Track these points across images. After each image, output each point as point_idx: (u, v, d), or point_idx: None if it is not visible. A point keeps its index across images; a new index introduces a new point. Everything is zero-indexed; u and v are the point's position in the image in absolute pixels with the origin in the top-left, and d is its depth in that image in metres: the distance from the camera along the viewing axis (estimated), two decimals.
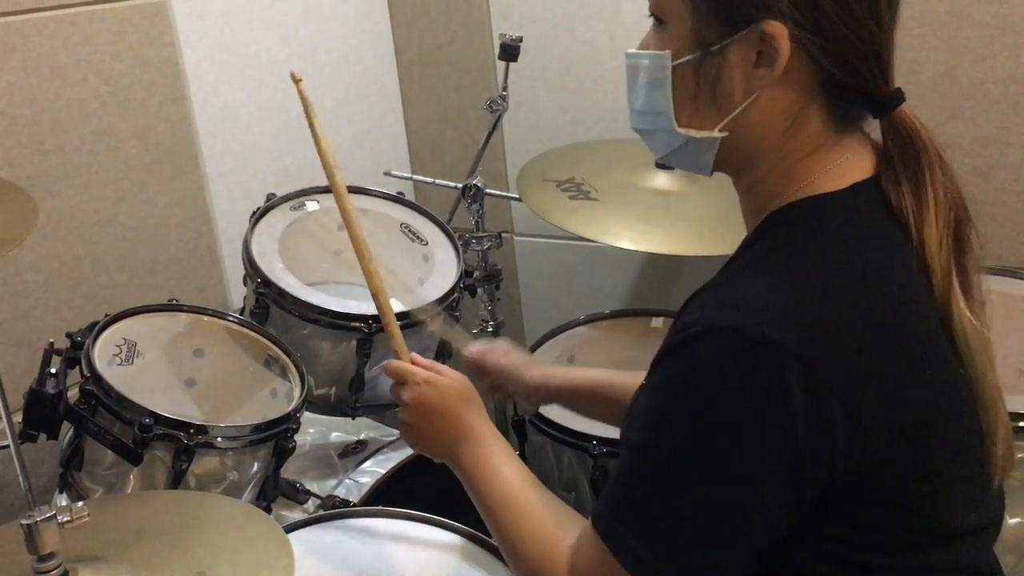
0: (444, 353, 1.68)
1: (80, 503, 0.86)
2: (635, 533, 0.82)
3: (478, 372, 1.29)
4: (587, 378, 1.29)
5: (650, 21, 0.91)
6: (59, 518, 0.84)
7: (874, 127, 0.91)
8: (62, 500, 1.35)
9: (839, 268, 0.83)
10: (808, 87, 0.85)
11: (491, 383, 1.30)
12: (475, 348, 1.30)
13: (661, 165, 1.77)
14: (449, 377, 1.05)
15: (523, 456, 1.74)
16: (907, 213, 0.86)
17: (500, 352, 1.30)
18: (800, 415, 0.76)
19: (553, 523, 0.94)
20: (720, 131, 0.87)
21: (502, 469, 0.99)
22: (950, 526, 0.87)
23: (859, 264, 0.83)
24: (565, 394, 1.32)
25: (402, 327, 1.52)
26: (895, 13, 0.85)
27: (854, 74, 0.84)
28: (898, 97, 0.86)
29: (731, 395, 0.78)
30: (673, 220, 1.68)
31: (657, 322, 1.85)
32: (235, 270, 1.78)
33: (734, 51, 0.84)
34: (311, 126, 1.16)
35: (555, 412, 1.62)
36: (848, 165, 0.88)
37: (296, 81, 1.18)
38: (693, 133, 0.88)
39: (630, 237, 1.64)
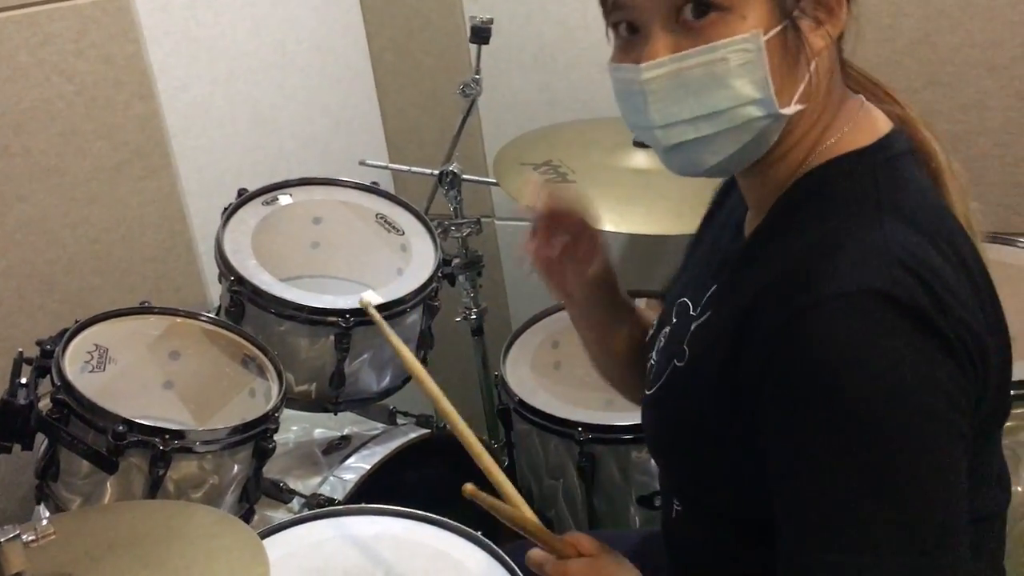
0: (426, 343, 1.66)
1: (45, 520, 0.84)
2: (896, 547, 0.73)
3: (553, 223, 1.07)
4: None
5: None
6: (24, 537, 0.82)
7: None
8: (42, 511, 1.34)
9: (921, 215, 0.81)
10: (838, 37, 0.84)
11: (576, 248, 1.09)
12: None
13: (639, 144, 1.75)
14: (588, 549, 0.95)
15: (509, 444, 1.73)
16: (933, 148, 0.87)
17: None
18: (955, 353, 0.75)
19: None
20: (797, 103, 0.82)
21: None
22: (994, 471, 0.88)
23: (931, 211, 0.82)
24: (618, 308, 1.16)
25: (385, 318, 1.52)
26: None
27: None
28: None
29: (897, 356, 0.73)
30: (653, 199, 1.65)
31: (640, 303, 1.82)
32: (213, 268, 1.75)
33: (806, 14, 0.81)
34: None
35: (540, 400, 1.61)
36: (865, 118, 0.87)
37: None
38: (788, 111, 0.81)
39: (609, 218, 1.61)
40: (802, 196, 0.86)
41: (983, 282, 0.83)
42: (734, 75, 0.80)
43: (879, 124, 0.87)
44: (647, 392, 0.99)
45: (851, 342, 0.74)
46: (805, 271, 0.79)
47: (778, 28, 0.80)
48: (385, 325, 1.21)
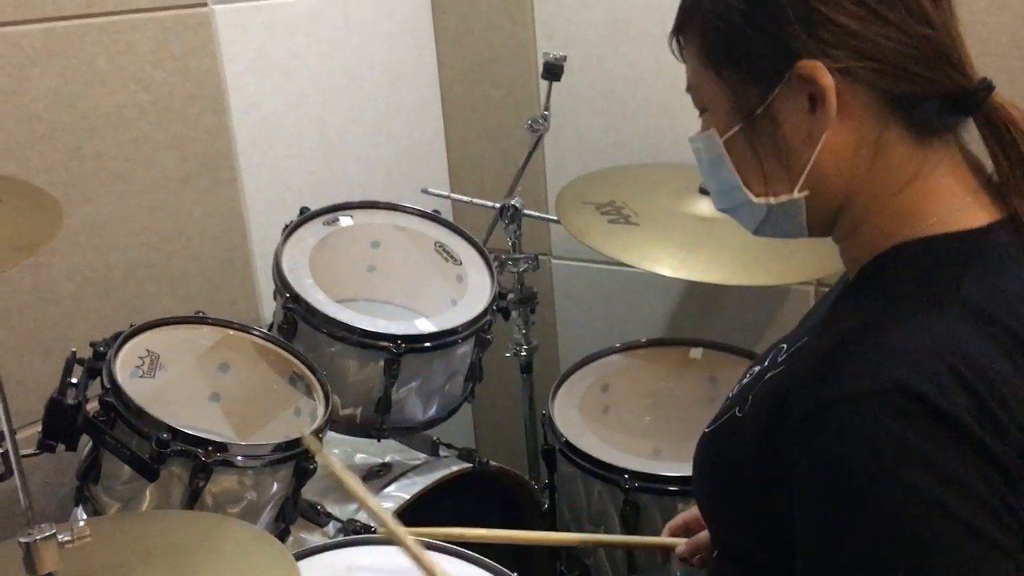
0: (475, 376, 1.64)
1: (82, 522, 0.83)
2: None
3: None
4: None
5: None
6: (59, 537, 0.81)
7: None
8: (80, 513, 1.34)
9: (1009, 316, 0.75)
10: (877, 113, 0.80)
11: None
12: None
13: (705, 191, 1.72)
14: None
15: (551, 486, 1.69)
16: None
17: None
18: (1005, 469, 0.70)
19: None
20: (800, 191, 0.83)
21: None
22: None
23: (1007, 305, 0.76)
24: None
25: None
26: (946, 5, 0.80)
27: (923, 83, 0.79)
28: (985, 87, 0.79)
29: (928, 463, 0.68)
30: (715, 247, 1.62)
31: (696, 352, 1.79)
32: (268, 284, 1.75)
33: (781, 106, 0.81)
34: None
35: (587, 443, 1.57)
36: (975, 203, 0.81)
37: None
38: (772, 200, 0.85)
39: (670, 263, 1.59)
40: (876, 271, 0.83)
41: None
42: (714, 164, 0.87)
43: (983, 211, 0.81)
44: (705, 429, 0.96)
45: (879, 444, 0.69)
46: (845, 355, 0.75)
47: (737, 127, 0.84)
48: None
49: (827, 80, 0.77)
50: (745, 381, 0.97)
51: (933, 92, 0.79)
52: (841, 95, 0.78)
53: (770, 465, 0.79)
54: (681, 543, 1.20)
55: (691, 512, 1.23)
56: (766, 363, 0.94)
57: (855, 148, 0.81)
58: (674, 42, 0.89)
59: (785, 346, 0.93)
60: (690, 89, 0.89)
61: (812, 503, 0.74)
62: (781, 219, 0.86)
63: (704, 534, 1.18)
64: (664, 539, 1.22)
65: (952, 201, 0.81)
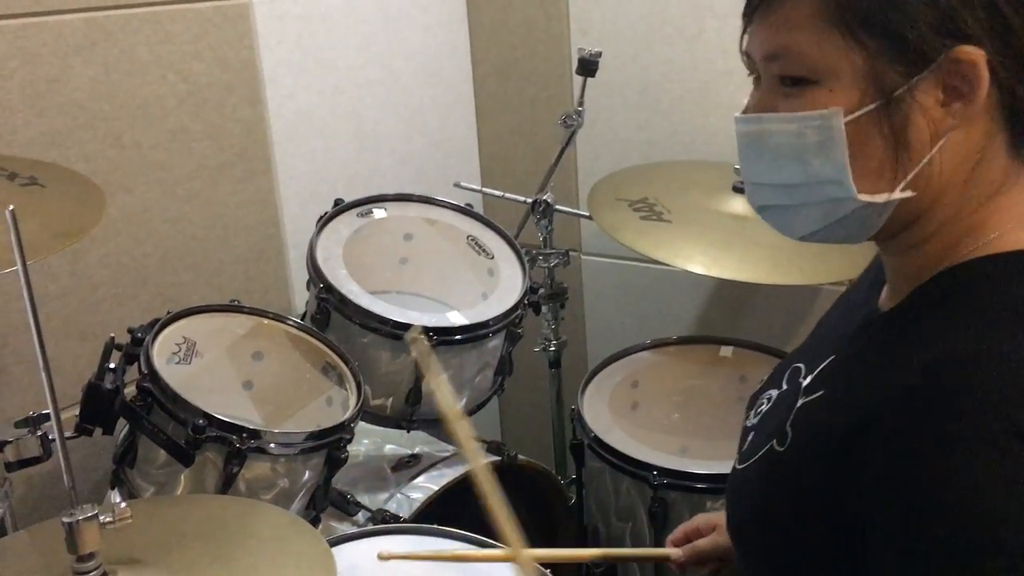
0: (505, 370, 1.65)
1: (123, 504, 0.84)
2: None
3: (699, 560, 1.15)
4: None
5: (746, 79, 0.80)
6: (101, 518, 0.83)
7: None
8: (115, 497, 1.36)
9: None
10: (991, 119, 0.73)
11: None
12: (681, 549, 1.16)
13: (739, 189, 1.72)
14: None
15: (579, 481, 1.70)
16: None
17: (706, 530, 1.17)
18: None
19: None
20: (903, 190, 0.74)
21: None
22: None
23: None
24: None
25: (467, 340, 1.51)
26: None
27: None
28: None
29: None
30: (748, 246, 1.62)
31: (726, 351, 1.79)
32: (300, 274, 1.77)
33: (922, 91, 0.71)
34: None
35: (615, 438, 1.57)
36: None
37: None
38: (874, 198, 0.74)
39: (702, 261, 1.59)
40: (947, 291, 0.75)
41: None
42: (811, 151, 0.75)
43: None
44: (737, 466, 0.90)
45: (991, 489, 0.64)
46: (942, 389, 0.68)
47: (870, 107, 0.72)
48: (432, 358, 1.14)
49: (985, 74, 0.70)
50: (765, 408, 0.91)
51: None
52: None
53: (833, 506, 0.74)
54: (679, 552, 1.15)
55: (691, 523, 1.18)
56: (784, 386, 0.88)
57: (965, 153, 0.74)
58: None
59: (802, 366, 0.86)
60: (777, 56, 0.76)
61: (901, 553, 0.68)
62: (856, 222, 0.77)
63: (702, 542, 1.14)
64: (661, 550, 1.19)
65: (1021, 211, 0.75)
